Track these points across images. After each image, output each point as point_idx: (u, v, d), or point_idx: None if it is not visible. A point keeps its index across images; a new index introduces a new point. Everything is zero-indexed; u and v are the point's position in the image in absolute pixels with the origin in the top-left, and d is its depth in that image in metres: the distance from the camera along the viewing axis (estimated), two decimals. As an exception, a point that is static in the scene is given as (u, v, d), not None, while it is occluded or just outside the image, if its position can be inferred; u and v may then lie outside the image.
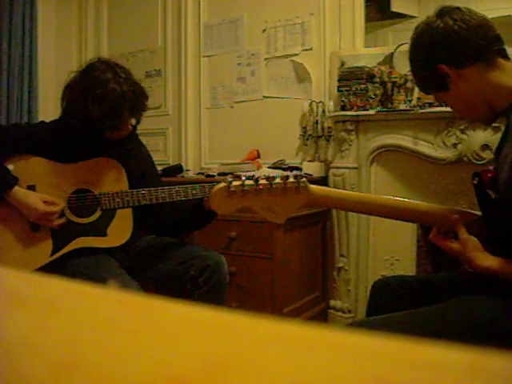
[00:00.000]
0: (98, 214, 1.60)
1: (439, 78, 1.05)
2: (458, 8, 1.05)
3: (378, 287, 1.29)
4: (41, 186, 1.56)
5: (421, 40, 1.08)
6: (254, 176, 1.01)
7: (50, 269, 1.54)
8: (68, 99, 1.57)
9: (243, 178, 1.00)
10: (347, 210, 1.18)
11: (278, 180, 1.01)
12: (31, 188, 1.55)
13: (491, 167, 1.08)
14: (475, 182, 1.05)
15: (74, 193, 1.59)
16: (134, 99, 1.55)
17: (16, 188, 1.49)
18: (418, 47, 1.09)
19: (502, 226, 1.00)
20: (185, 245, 1.77)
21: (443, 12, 1.05)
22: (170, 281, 1.72)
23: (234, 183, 1.00)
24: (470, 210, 1.10)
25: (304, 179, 1.03)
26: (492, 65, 1.02)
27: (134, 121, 1.61)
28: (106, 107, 1.49)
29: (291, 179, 1.02)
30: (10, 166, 1.52)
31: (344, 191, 1.12)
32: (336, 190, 1.11)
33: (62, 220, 1.56)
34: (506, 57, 1.04)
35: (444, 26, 1.03)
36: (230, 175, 1.02)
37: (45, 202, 1.52)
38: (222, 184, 1.01)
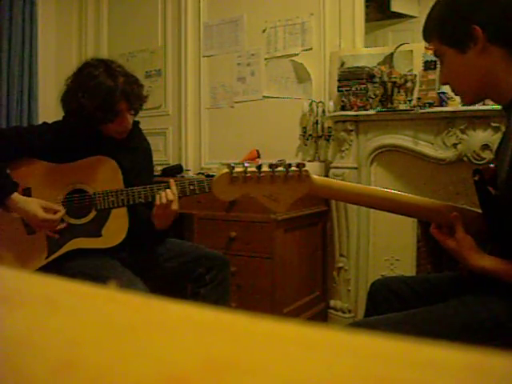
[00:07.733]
0: (92, 214, 1.58)
1: (464, 38, 1.00)
2: None
3: (375, 287, 1.29)
4: (36, 188, 1.55)
5: None
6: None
7: (48, 270, 1.53)
8: (64, 99, 1.57)
9: (246, 165, 0.99)
10: (348, 201, 1.17)
11: (280, 168, 1.00)
12: (27, 191, 1.54)
13: (492, 165, 1.08)
14: (476, 178, 1.05)
15: (69, 193, 1.58)
16: (128, 89, 1.54)
17: (15, 194, 1.48)
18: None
19: (501, 224, 1.00)
20: (189, 244, 1.77)
21: None
22: (176, 278, 1.72)
23: (237, 169, 0.98)
24: (470, 208, 1.10)
25: (306, 168, 1.02)
26: None
27: (130, 116, 1.58)
28: (97, 99, 1.49)
29: (293, 168, 1.01)
30: (7, 170, 1.52)
31: (346, 183, 1.11)
32: (337, 181, 1.10)
33: (62, 226, 1.55)
34: None
35: None
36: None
37: (44, 209, 1.51)
38: (225, 170, 0.99)
